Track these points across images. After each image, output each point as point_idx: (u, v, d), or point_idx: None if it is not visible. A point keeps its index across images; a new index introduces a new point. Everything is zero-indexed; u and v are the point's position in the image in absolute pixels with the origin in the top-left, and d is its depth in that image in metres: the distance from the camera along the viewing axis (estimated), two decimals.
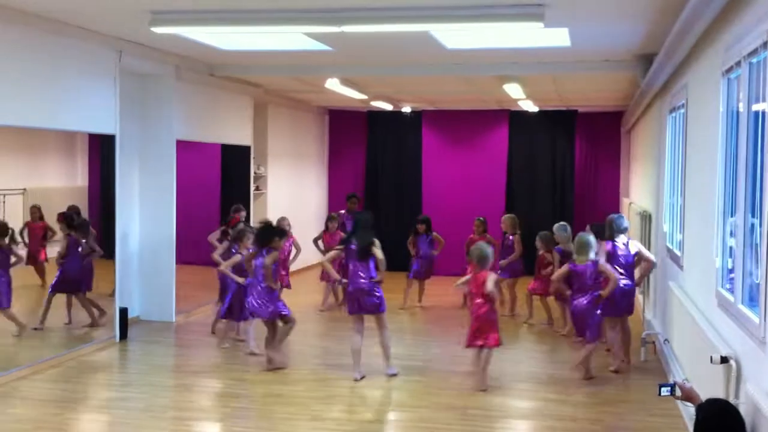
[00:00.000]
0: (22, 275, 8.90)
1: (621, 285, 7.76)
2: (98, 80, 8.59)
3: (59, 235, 9.03)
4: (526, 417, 6.91)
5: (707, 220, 5.91)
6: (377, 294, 7.68)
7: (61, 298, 9.12)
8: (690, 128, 7.14)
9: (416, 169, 15.65)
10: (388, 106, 14.77)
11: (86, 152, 10.06)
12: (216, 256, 8.99)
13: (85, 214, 9.42)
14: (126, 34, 8.43)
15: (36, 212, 9.11)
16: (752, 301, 4.59)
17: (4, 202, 8.72)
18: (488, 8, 6.62)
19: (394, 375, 7.72)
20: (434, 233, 11.66)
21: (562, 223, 9.98)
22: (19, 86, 7.42)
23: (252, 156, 12.37)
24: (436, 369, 8.06)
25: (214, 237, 9.67)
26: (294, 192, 14.53)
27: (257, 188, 13.00)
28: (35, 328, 8.85)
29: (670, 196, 8.67)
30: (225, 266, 8.42)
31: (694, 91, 6.89)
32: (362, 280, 7.66)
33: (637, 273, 8.35)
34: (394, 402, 7.25)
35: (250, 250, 8.22)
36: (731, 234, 5.23)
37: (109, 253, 9.27)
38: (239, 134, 11.97)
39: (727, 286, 5.27)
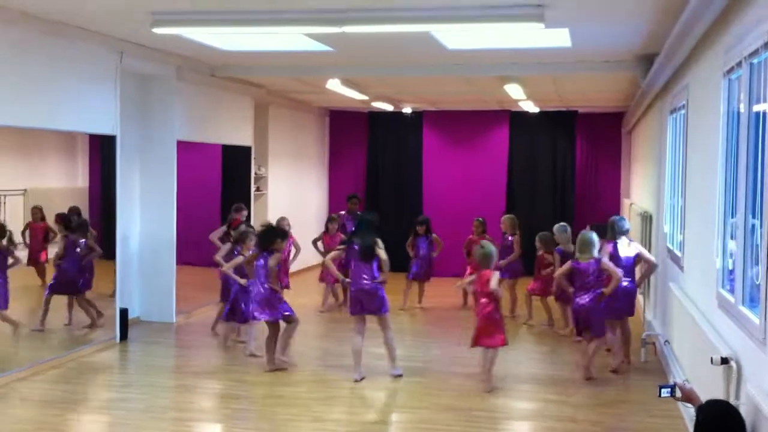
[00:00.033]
0: (23, 276, 8.90)
1: (622, 285, 7.77)
2: (99, 81, 8.59)
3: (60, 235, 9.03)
4: (527, 418, 6.91)
5: (708, 221, 5.90)
6: (380, 295, 7.68)
7: (62, 299, 9.12)
8: (691, 129, 7.14)
9: (417, 169, 15.66)
10: (388, 107, 14.77)
11: (87, 153, 10.06)
12: (218, 257, 8.99)
13: (85, 215, 9.42)
14: (127, 35, 8.43)
15: (37, 213, 9.11)
16: (753, 302, 4.58)
17: (4, 203, 8.72)
18: (489, 9, 6.62)
19: (400, 376, 7.71)
20: (433, 235, 11.66)
21: (562, 223, 9.98)
22: (20, 87, 7.42)
23: (253, 157, 12.37)
24: (436, 370, 8.05)
25: (215, 235, 9.66)
26: (295, 193, 14.53)
27: (258, 189, 13.00)
28: (36, 330, 8.85)
29: (671, 197, 8.67)
30: (228, 267, 8.42)
31: (695, 92, 6.88)
32: (365, 281, 7.65)
33: (637, 274, 8.36)
34: (395, 403, 7.25)
35: (252, 252, 8.22)
36: (732, 235, 5.23)
37: (108, 253, 9.27)
38: (240, 135, 11.97)
39: (728, 287, 5.27)
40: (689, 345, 6.29)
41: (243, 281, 8.31)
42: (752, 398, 4.09)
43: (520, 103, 13.81)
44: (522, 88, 11.57)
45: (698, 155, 6.66)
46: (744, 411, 4.11)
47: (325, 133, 16.33)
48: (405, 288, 11.40)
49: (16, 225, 8.88)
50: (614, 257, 7.92)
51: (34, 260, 9.10)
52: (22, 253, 8.92)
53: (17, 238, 8.74)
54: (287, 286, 9.98)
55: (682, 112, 7.59)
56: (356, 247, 7.75)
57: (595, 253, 7.64)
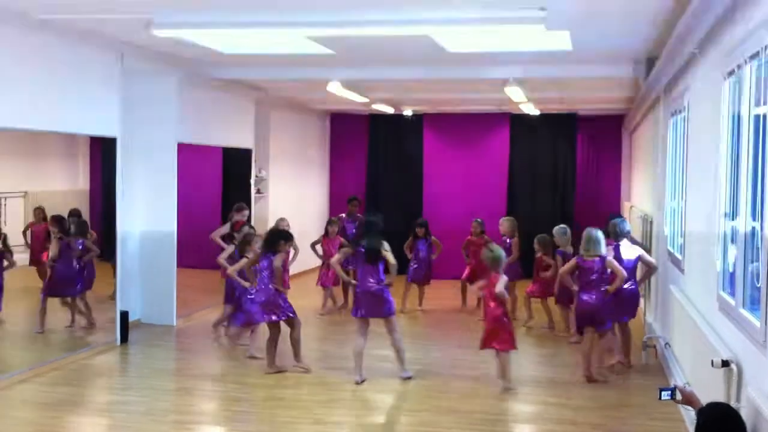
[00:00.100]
0: (24, 277, 8.92)
1: (625, 287, 7.80)
2: (100, 83, 8.59)
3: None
4: (527, 421, 6.90)
5: (708, 223, 5.90)
6: (386, 297, 7.68)
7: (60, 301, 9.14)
8: (691, 131, 7.14)
9: (417, 172, 15.66)
10: (389, 110, 14.76)
11: (88, 155, 10.08)
12: (221, 260, 8.99)
13: (86, 217, 9.42)
14: (128, 37, 8.43)
15: (39, 214, 9.12)
16: (753, 304, 4.58)
17: (5, 205, 8.73)
18: (490, 11, 6.60)
19: (409, 378, 7.70)
20: (433, 237, 11.67)
21: (561, 225, 9.98)
22: (21, 89, 7.42)
23: (253, 159, 12.37)
24: (437, 372, 8.04)
25: (217, 234, 9.66)
26: (295, 195, 14.53)
27: (258, 191, 13.00)
28: (36, 332, 8.85)
29: (672, 200, 8.67)
30: (233, 270, 8.41)
31: (696, 95, 6.88)
32: (370, 283, 7.65)
33: (638, 276, 8.39)
34: (396, 405, 7.25)
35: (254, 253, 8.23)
36: (732, 238, 5.22)
37: (108, 255, 9.27)
38: (241, 137, 11.97)
39: (728, 289, 5.26)
40: (690, 348, 6.29)
41: (247, 284, 8.30)
42: (753, 401, 4.09)
43: (520, 106, 13.79)
44: (523, 91, 11.56)
45: (699, 158, 6.66)
46: (745, 414, 4.10)
47: (326, 135, 16.33)
48: (404, 290, 11.39)
49: (16, 227, 8.89)
50: (616, 259, 7.93)
51: (36, 261, 9.11)
52: (23, 255, 8.93)
53: (17, 240, 8.75)
54: (287, 287, 9.97)
55: (683, 114, 7.59)
56: (362, 249, 7.74)
57: (601, 251, 7.65)
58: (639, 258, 8.28)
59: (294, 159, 14.64)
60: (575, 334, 9.20)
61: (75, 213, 9.27)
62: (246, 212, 10.19)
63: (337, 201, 15.53)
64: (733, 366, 4.68)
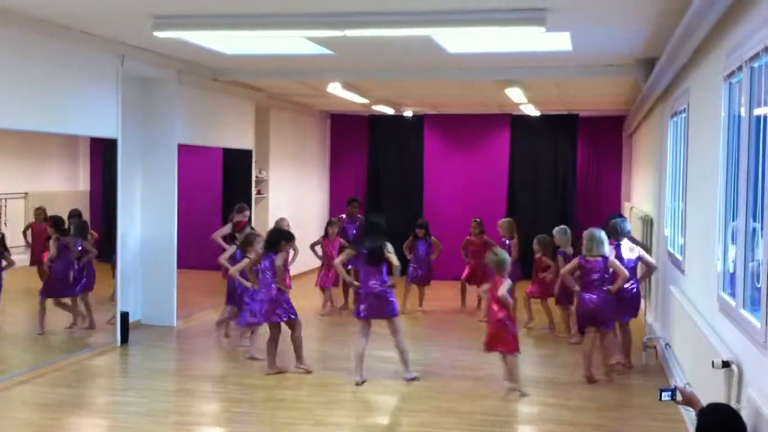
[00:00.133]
0: (25, 278, 8.92)
1: (627, 287, 7.82)
2: (100, 84, 8.60)
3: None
4: (528, 422, 6.90)
5: (709, 224, 5.90)
6: (390, 299, 7.68)
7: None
8: (691, 133, 7.14)
9: (418, 173, 15.66)
10: (389, 110, 14.77)
11: (88, 156, 10.09)
12: (223, 260, 8.99)
13: (86, 217, 9.43)
14: (128, 38, 8.44)
15: (41, 214, 9.13)
16: (754, 305, 4.58)
17: (5, 206, 8.74)
18: (490, 12, 6.62)
19: (414, 379, 7.70)
20: (432, 238, 11.68)
21: (562, 226, 10.00)
22: (22, 90, 7.43)
23: (254, 160, 12.38)
24: (437, 373, 8.04)
25: (218, 235, 9.67)
26: (296, 196, 14.53)
27: (259, 192, 13.00)
28: (37, 333, 8.86)
29: (672, 201, 8.67)
30: (235, 271, 8.40)
31: (696, 96, 6.89)
32: (373, 284, 7.65)
33: (638, 276, 8.41)
34: (396, 406, 7.24)
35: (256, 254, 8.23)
36: (732, 238, 5.23)
37: (107, 257, 9.28)
38: (241, 138, 11.97)
39: (729, 290, 5.27)
40: (690, 348, 6.29)
41: (249, 284, 8.29)
42: (753, 402, 4.09)
43: (521, 107, 13.81)
44: (523, 92, 11.58)
45: (699, 159, 6.66)
46: (745, 414, 4.11)
47: (326, 136, 16.33)
48: (405, 291, 11.39)
49: (17, 228, 8.90)
50: (617, 258, 7.96)
51: (37, 261, 9.12)
52: (24, 256, 8.94)
53: (18, 240, 8.75)
54: (289, 286, 9.98)
55: (683, 115, 7.59)
56: (365, 250, 7.74)
57: (604, 251, 7.67)
58: (639, 258, 8.31)
59: (294, 160, 14.64)
60: (576, 335, 9.23)
61: (75, 214, 9.27)
62: (247, 213, 10.20)
63: (337, 202, 15.54)
64: (734, 367, 4.69)
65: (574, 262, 7.90)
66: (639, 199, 13.09)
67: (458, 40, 8.04)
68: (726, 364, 4.74)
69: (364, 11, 6.78)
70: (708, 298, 5.84)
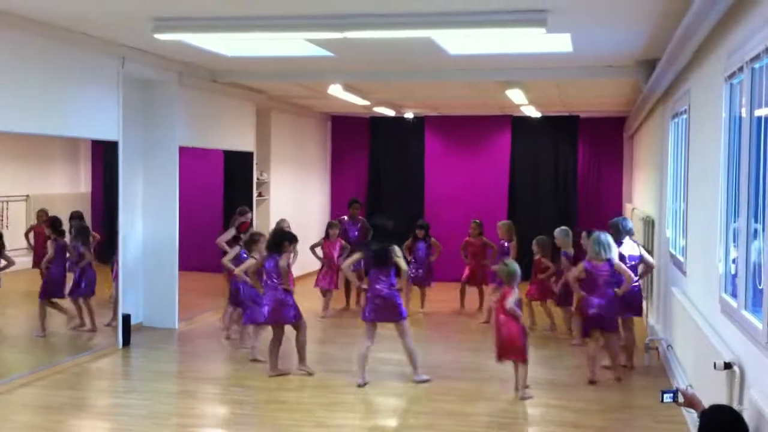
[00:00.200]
0: (27, 280, 8.92)
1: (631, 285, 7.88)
2: (101, 87, 8.60)
3: (65, 239, 9.03)
4: (530, 423, 6.90)
5: (710, 225, 5.90)
6: (397, 302, 7.68)
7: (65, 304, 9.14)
8: (692, 134, 7.14)
9: (419, 174, 15.67)
10: (390, 112, 14.77)
11: (89, 159, 10.09)
12: (226, 261, 8.99)
13: (88, 219, 9.43)
14: (129, 41, 8.45)
15: (43, 216, 9.13)
16: (755, 306, 4.58)
17: (7, 208, 8.75)
18: (491, 14, 6.62)
19: (424, 381, 7.69)
20: (432, 239, 11.68)
21: (563, 227, 10.01)
22: (23, 93, 7.43)
23: (255, 162, 12.38)
24: (438, 375, 8.02)
25: (223, 239, 9.67)
26: (297, 198, 14.54)
27: (260, 194, 13.01)
28: (37, 336, 8.86)
29: (673, 202, 8.67)
30: (240, 271, 8.38)
31: (697, 97, 6.88)
32: (380, 287, 7.65)
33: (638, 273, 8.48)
34: (398, 408, 7.24)
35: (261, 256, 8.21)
36: (734, 239, 5.22)
37: (106, 259, 9.29)
38: (242, 140, 11.98)
39: (730, 291, 5.26)
40: (692, 350, 6.28)
41: (254, 282, 8.25)
42: (755, 403, 4.09)
43: (522, 108, 13.81)
44: (524, 93, 11.58)
45: (700, 160, 6.66)
46: (747, 416, 4.10)
47: (327, 138, 16.34)
48: (405, 292, 11.39)
49: (18, 230, 8.91)
50: (620, 257, 8.00)
51: (39, 263, 9.11)
52: (26, 258, 8.94)
53: (19, 243, 8.75)
54: (292, 286, 9.99)
55: (684, 116, 7.59)
56: (371, 252, 7.75)
57: (610, 255, 7.67)
58: (641, 256, 8.36)
59: (295, 162, 14.65)
60: (577, 337, 9.24)
61: (76, 216, 9.27)
62: (249, 215, 10.20)
63: (338, 204, 15.54)
64: (736, 368, 4.68)
65: (580, 267, 7.89)
66: (640, 200, 13.09)
67: (459, 41, 8.04)
68: (728, 366, 4.74)
69: (364, 13, 6.78)
70: (709, 300, 5.84)
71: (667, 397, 4.40)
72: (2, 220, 8.72)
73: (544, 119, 15.09)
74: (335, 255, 11.35)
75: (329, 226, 11.68)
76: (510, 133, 15.43)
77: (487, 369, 8.21)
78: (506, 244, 11.02)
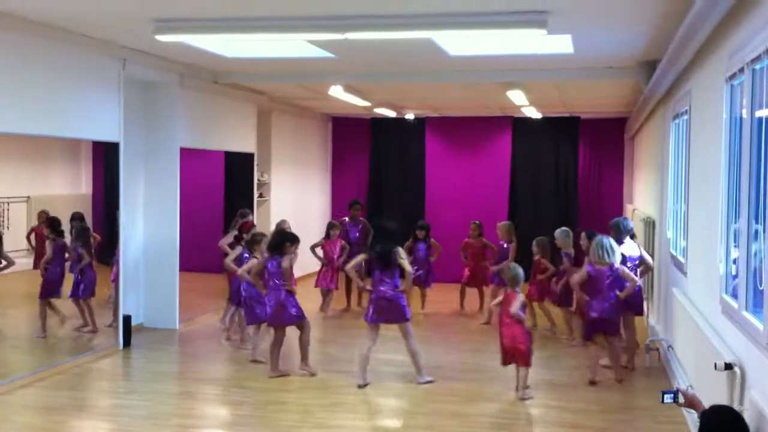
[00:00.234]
0: (28, 281, 8.92)
1: (628, 284, 7.87)
2: (102, 88, 8.61)
3: (66, 239, 9.02)
4: (530, 424, 6.89)
5: (711, 226, 5.90)
6: (401, 303, 7.68)
7: (69, 305, 9.14)
8: (693, 135, 7.14)
9: (420, 175, 15.67)
10: (391, 113, 14.78)
11: (90, 160, 10.10)
12: (229, 261, 8.99)
13: (89, 220, 9.43)
14: (130, 42, 8.45)
15: (43, 217, 9.12)
16: (756, 307, 4.58)
17: (8, 209, 8.75)
18: (491, 15, 6.63)
19: (429, 382, 7.69)
20: (432, 240, 11.68)
21: (564, 228, 10.02)
22: (24, 94, 7.44)
23: (255, 163, 12.38)
24: (438, 376, 8.02)
25: (225, 242, 9.67)
26: (297, 199, 14.54)
27: (261, 195, 13.01)
28: (38, 337, 8.86)
29: (674, 203, 8.67)
30: (242, 271, 8.36)
31: (698, 98, 6.89)
32: (384, 288, 7.65)
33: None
34: (398, 409, 7.24)
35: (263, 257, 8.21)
36: (735, 240, 5.22)
37: (106, 260, 9.28)
38: (243, 141, 11.99)
39: (731, 292, 5.26)
40: (693, 350, 6.28)
41: (256, 282, 8.23)
42: (756, 404, 4.09)
43: (522, 109, 13.82)
44: (525, 94, 11.58)
45: (701, 161, 6.66)
46: (748, 416, 4.10)
47: (328, 139, 16.35)
48: (407, 293, 11.38)
49: (20, 232, 8.91)
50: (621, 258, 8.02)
51: (39, 264, 9.10)
52: (27, 260, 8.94)
53: (20, 244, 8.75)
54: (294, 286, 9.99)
55: (685, 117, 7.59)
56: (374, 254, 7.75)
57: (613, 259, 7.68)
58: (641, 257, 8.40)
59: (296, 163, 14.65)
60: (578, 339, 9.25)
61: (77, 217, 9.27)
62: (250, 217, 10.19)
63: (339, 205, 15.54)
64: (736, 369, 4.68)
65: (584, 271, 7.89)
66: (641, 201, 13.09)
67: (460, 42, 8.05)
68: (728, 366, 4.73)
69: (364, 14, 6.78)
70: (710, 300, 5.84)
71: (668, 398, 4.40)
72: (3, 221, 8.72)
73: (545, 120, 15.09)
74: (335, 255, 11.36)
75: (330, 226, 11.69)
76: (511, 134, 15.43)
77: (488, 370, 8.22)
78: (506, 245, 11.03)
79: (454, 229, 13.72)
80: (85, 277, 9.10)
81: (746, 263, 4.72)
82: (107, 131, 8.74)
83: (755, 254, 4.65)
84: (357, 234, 11.98)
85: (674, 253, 8.33)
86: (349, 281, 11.77)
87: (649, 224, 10.27)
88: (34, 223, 9.15)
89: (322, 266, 11.41)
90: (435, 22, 6.83)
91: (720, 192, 5.54)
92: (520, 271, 7.53)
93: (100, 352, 8.73)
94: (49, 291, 8.92)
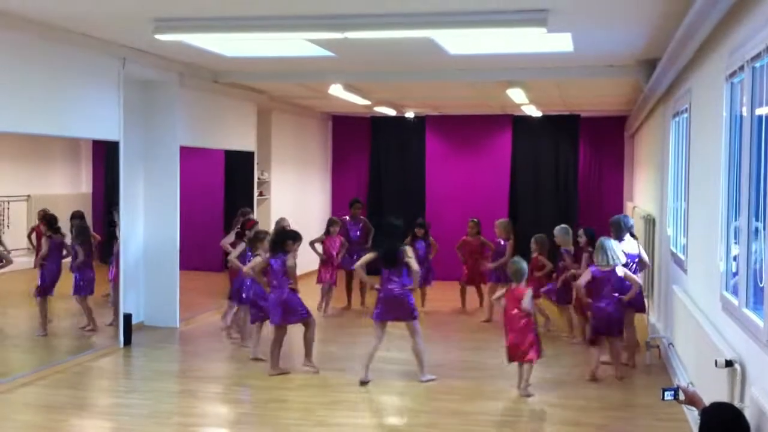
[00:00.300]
0: (30, 280, 8.92)
1: (628, 283, 7.92)
2: (102, 87, 8.61)
3: (67, 239, 9.03)
4: (531, 422, 6.90)
5: (711, 223, 5.90)
6: (409, 302, 7.69)
7: (70, 304, 9.15)
8: (693, 133, 7.15)
9: (420, 174, 15.66)
10: (391, 112, 14.78)
11: (90, 159, 10.11)
12: (233, 258, 8.98)
13: (89, 220, 9.43)
14: (130, 42, 8.45)
15: (42, 215, 9.12)
16: (757, 304, 4.59)
17: (8, 208, 8.76)
18: (491, 14, 6.63)
19: (430, 381, 7.70)
20: (430, 238, 11.68)
21: (563, 225, 10.02)
22: (23, 93, 7.44)
23: (256, 162, 12.39)
24: (439, 374, 8.01)
25: (227, 242, 9.67)
26: (298, 198, 14.55)
27: (261, 194, 13.02)
28: (39, 335, 8.87)
29: (674, 200, 8.68)
30: (248, 268, 8.34)
31: (698, 96, 6.89)
32: (391, 286, 7.66)
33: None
34: (398, 407, 7.25)
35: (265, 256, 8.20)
36: (735, 237, 5.23)
37: (107, 259, 9.28)
38: (243, 140, 11.99)
39: (732, 289, 5.26)
40: (693, 348, 6.29)
41: (260, 280, 8.22)
42: (756, 401, 4.10)
43: (523, 108, 13.82)
44: (525, 93, 11.59)
45: (701, 159, 6.67)
46: (748, 413, 4.11)
47: (328, 138, 16.35)
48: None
49: (20, 231, 8.91)
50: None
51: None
52: (26, 259, 8.94)
53: (20, 243, 8.76)
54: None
55: (685, 115, 7.60)
56: (380, 253, 7.77)
57: (617, 262, 7.69)
58: (639, 254, 8.44)
59: (296, 162, 14.65)
60: (577, 336, 9.27)
61: (77, 215, 9.27)
62: (252, 216, 10.19)
63: (339, 203, 15.53)
64: (737, 366, 4.69)
65: (587, 273, 7.90)
66: (641, 198, 13.09)
67: (459, 41, 8.05)
68: (729, 363, 4.74)
69: (364, 13, 6.79)
70: (711, 298, 5.84)
71: (668, 395, 4.41)
72: (3, 220, 8.73)
73: (545, 118, 15.09)
74: (335, 252, 11.38)
75: (330, 222, 11.70)
76: (511, 133, 15.43)
77: (489, 368, 8.23)
78: (503, 243, 11.03)
79: (455, 228, 13.70)
80: (84, 276, 9.10)
81: (746, 260, 4.73)
82: (107, 130, 8.74)
83: (755, 251, 4.65)
84: (358, 233, 11.98)
85: (674, 251, 8.34)
86: (349, 280, 11.78)
87: (650, 222, 10.28)
88: (35, 222, 9.15)
89: (321, 262, 11.42)
90: (435, 21, 6.83)
91: (720, 189, 5.54)
92: (524, 264, 7.56)
93: (100, 350, 8.73)
94: (45, 288, 8.93)
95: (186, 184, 10.20)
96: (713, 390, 4.93)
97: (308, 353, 8.02)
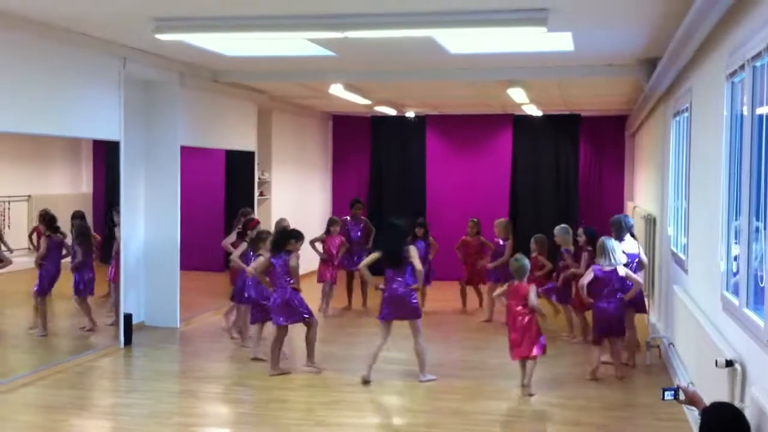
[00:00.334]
0: (28, 279, 8.93)
1: (629, 282, 7.92)
2: (103, 87, 8.61)
3: (68, 238, 9.03)
4: (532, 422, 6.89)
5: (712, 223, 5.90)
6: (412, 300, 7.71)
7: (71, 304, 9.15)
8: (694, 132, 7.14)
9: (420, 174, 15.66)
10: (392, 111, 14.77)
11: (91, 159, 10.11)
12: (236, 257, 8.98)
13: (89, 220, 9.43)
14: (130, 41, 8.45)
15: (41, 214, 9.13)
16: (757, 304, 4.58)
17: (8, 208, 8.76)
18: (491, 13, 6.62)
19: (431, 381, 7.70)
20: (430, 238, 11.67)
21: (563, 225, 10.03)
22: (24, 93, 7.44)
23: (256, 162, 12.39)
24: (439, 373, 8.01)
25: (228, 241, 9.67)
26: (298, 197, 14.54)
27: (261, 194, 13.02)
28: (39, 335, 8.87)
29: (675, 200, 8.67)
30: (252, 268, 8.31)
31: (698, 95, 6.88)
32: (395, 286, 7.67)
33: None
34: (399, 407, 7.25)
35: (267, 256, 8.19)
36: (736, 237, 5.22)
37: (107, 259, 9.28)
38: (243, 140, 11.99)
39: (732, 289, 5.26)
40: (694, 348, 6.28)
41: (263, 280, 8.20)
42: (757, 401, 4.09)
43: (523, 107, 13.81)
44: (525, 92, 11.58)
45: (702, 158, 6.66)
46: (749, 413, 4.10)
47: (329, 137, 16.35)
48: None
49: (21, 231, 8.92)
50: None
51: None
52: (26, 259, 8.94)
53: (20, 243, 8.76)
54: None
55: (686, 115, 7.59)
56: (383, 252, 7.78)
57: (618, 262, 7.69)
58: (638, 254, 8.46)
59: (296, 161, 14.65)
60: (577, 336, 9.27)
61: (78, 215, 9.27)
62: (253, 215, 10.19)
63: (339, 203, 15.53)
64: (737, 366, 4.68)
65: (590, 273, 7.90)
66: (642, 198, 13.09)
67: (460, 40, 8.04)
68: (729, 363, 4.74)
69: (364, 12, 6.78)
70: (711, 297, 5.83)
71: (669, 395, 4.41)
72: (4, 220, 8.73)
73: (546, 118, 15.09)
74: (335, 251, 11.38)
75: (330, 222, 11.70)
76: (511, 132, 15.43)
77: (489, 367, 8.23)
78: (502, 243, 11.03)
79: (455, 227, 13.69)
80: (83, 277, 9.09)
81: (747, 260, 4.72)
82: (108, 130, 8.74)
83: (756, 251, 4.64)
84: (359, 233, 11.97)
85: (675, 251, 8.33)
86: (350, 280, 11.77)
87: (650, 221, 10.27)
88: (35, 222, 9.16)
89: (322, 261, 11.42)
90: (435, 20, 6.83)
91: (721, 189, 5.54)
92: (526, 261, 7.56)
93: (101, 350, 8.73)
94: (44, 288, 8.93)
95: (186, 184, 10.20)
96: (713, 390, 4.93)
97: (310, 354, 8.02)
